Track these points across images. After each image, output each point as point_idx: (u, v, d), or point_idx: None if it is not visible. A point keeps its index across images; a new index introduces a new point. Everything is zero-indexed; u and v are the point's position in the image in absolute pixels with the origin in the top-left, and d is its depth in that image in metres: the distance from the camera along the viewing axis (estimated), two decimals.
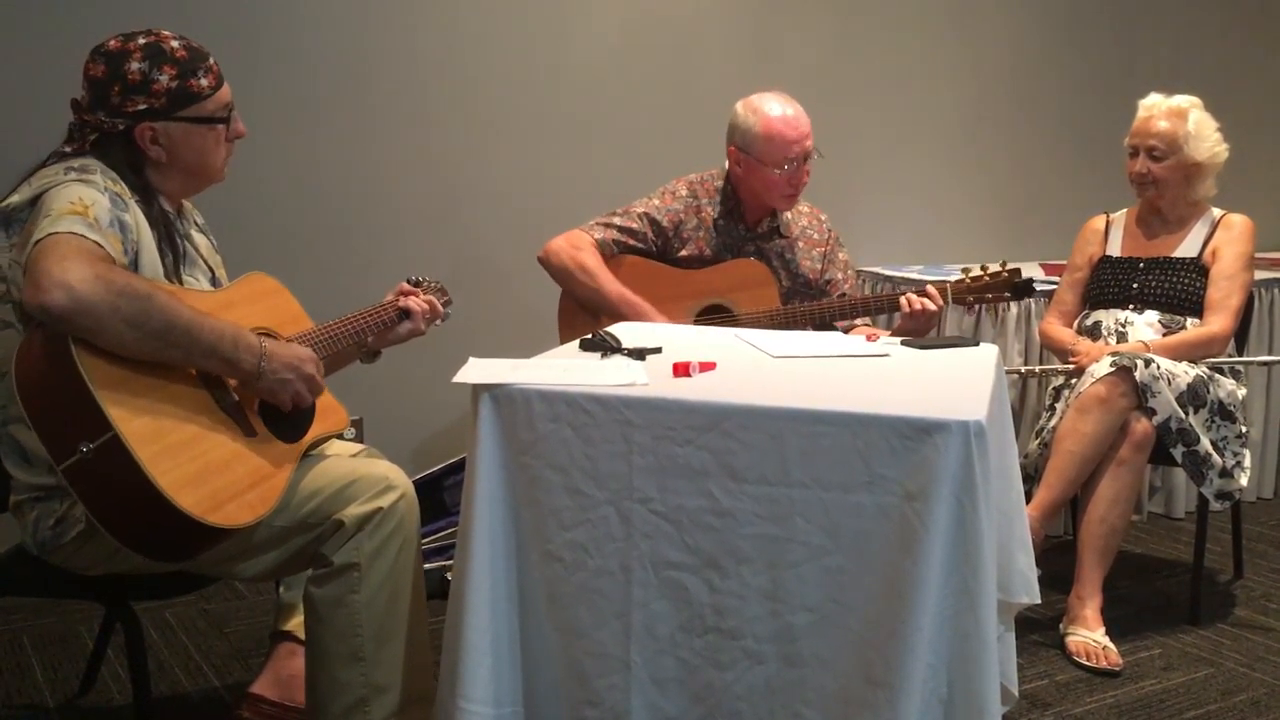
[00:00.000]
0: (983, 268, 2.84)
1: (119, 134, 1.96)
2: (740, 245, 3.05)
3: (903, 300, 2.78)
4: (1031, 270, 4.16)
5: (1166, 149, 3.10)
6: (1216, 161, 3.15)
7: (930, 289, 2.78)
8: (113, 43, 1.96)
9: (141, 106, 1.95)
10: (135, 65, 1.94)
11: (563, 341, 2.99)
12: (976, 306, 2.84)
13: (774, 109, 2.93)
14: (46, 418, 1.74)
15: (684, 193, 3.05)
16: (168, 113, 1.96)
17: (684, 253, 3.01)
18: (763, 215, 3.08)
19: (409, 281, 2.44)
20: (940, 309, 2.80)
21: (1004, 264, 2.88)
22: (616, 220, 3.00)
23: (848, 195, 3.93)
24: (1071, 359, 3.08)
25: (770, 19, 4.06)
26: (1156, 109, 3.14)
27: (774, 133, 2.90)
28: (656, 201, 3.04)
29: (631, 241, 2.99)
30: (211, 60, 2.02)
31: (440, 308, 2.45)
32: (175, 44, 1.98)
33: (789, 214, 3.10)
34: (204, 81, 1.99)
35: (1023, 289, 2.65)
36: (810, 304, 2.98)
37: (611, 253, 2.97)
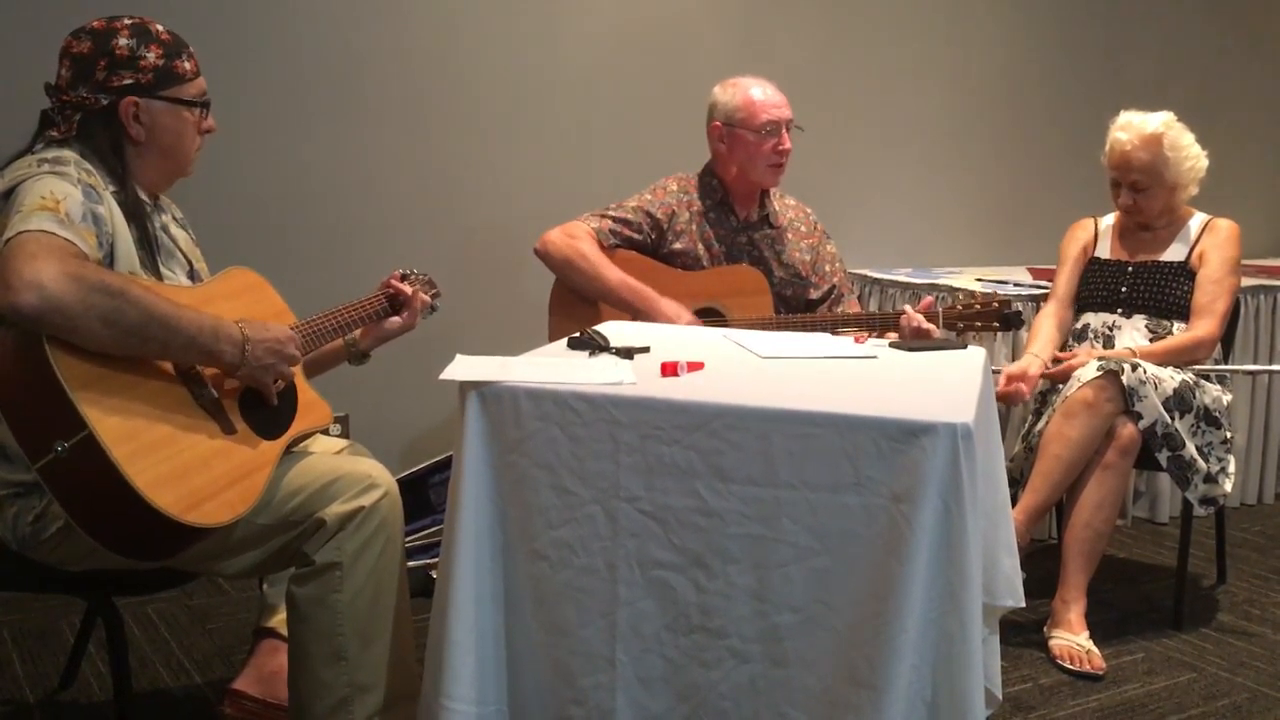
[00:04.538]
0: (974, 297, 2.91)
1: (101, 111, 1.96)
2: (732, 237, 3.06)
3: (903, 321, 2.81)
4: (1018, 274, 4.19)
5: (1149, 180, 3.10)
6: (1198, 174, 3.15)
7: (924, 312, 2.80)
8: (96, 23, 1.98)
9: (128, 81, 1.96)
10: (124, 41, 1.96)
11: (553, 334, 3.00)
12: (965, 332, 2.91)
13: (752, 82, 3.06)
14: (21, 416, 1.72)
15: (674, 188, 3.09)
16: (153, 89, 1.98)
17: (677, 246, 3.03)
18: (751, 205, 3.11)
19: (397, 276, 2.42)
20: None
21: (995, 294, 3.08)
22: (612, 212, 3.03)
23: (837, 197, 3.94)
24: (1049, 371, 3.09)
25: (761, 21, 4.06)
26: (1131, 142, 3.08)
27: (753, 99, 3.02)
28: (649, 196, 3.07)
29: (627, 232, 3.01)
30: (191, 50, 2.05)
31: (428, 299, 2.43)
32: (160, 28, 2.02)
33: (777, 205, 3.14)
34: (187, 65, 2.02)
35: (1011, 320, 2.73)
36: (804, 316, 2.99)
37: (608, 243, 2.99)
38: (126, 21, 1.98)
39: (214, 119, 2.10)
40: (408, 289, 2.36)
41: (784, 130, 3.02)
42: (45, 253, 1.69)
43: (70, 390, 1.69)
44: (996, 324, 2.74)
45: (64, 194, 1.80)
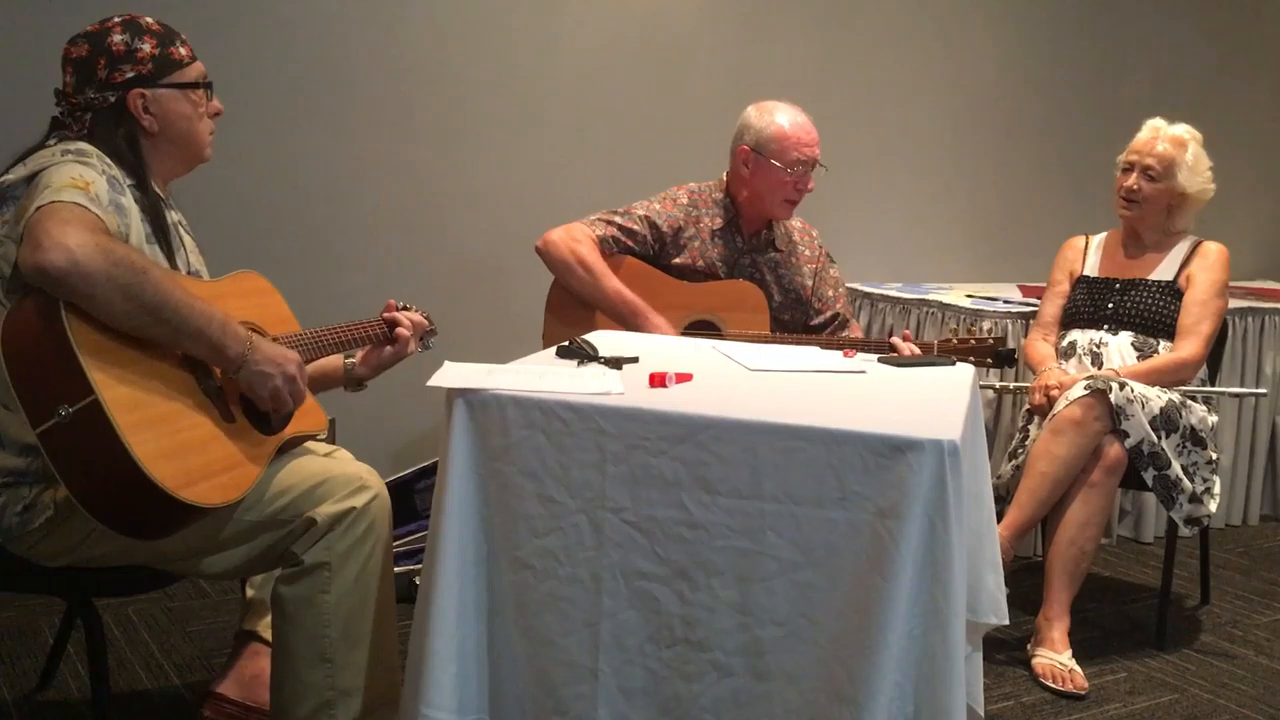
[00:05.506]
0: (969, 330, 2.92)
1: (111, 108, 1.98)
2: (736, 257, 3.06)
3: (902, 346, 2.82)
4: (1008, 291, 4.20)
5: (1162, 171, 3.15)
6: (1203, 198, 3.20)
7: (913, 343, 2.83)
8: (90, 27, 2.01)
9: (130, 75, 1.99)
10: (118, 38, 1.99)
11: (547, 333, 3.01)
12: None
13: (789, 113, 3.02)
14: (28, 378, 1.73)
15: (684, 201, 3.07)
16: (155, 79, 2.01)
17: (679, 260, 3.02)
18: (760, 227, 3.10)
19: (397, 306, 2.41)
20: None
21: (990, 331, 3.16)
22: (617, 219, 3.02)
23: (829, 211, 3.94)
24: (1033, 391, 3.10)
25: (756, 34, 4.07)
26: (1160, 132, 3.20)
27: (788, 133, 2.98)
28: (657, 206, 3.05)
29: (630, 242, 3.01)
30: (183, 37, 2.08)
31: (423, 321, 2.41)
32: (149, 20, 2.05)
33: (783, 229, 3.13)
34: (182, 51, 2.06)
35: (1004, 357, 2.77)
36: (800, 337, 2.99)
37: (610, 250, 2.98)
38: (117, 20, 2.02)
39: (221, 104, 2.13)
40: (400, 317, 2.35)
41: (811, 169, 3.00)
42: (77, 220, 1.73)
43: (81, 356, 1.71)
44: (990, 360, 2.78)
45: (92, 178, 1.84)
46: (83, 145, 1.93)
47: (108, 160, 1.93)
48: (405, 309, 2.41)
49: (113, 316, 1.76)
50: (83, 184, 1.80)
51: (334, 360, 2.32)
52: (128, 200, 1.92)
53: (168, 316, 1.80)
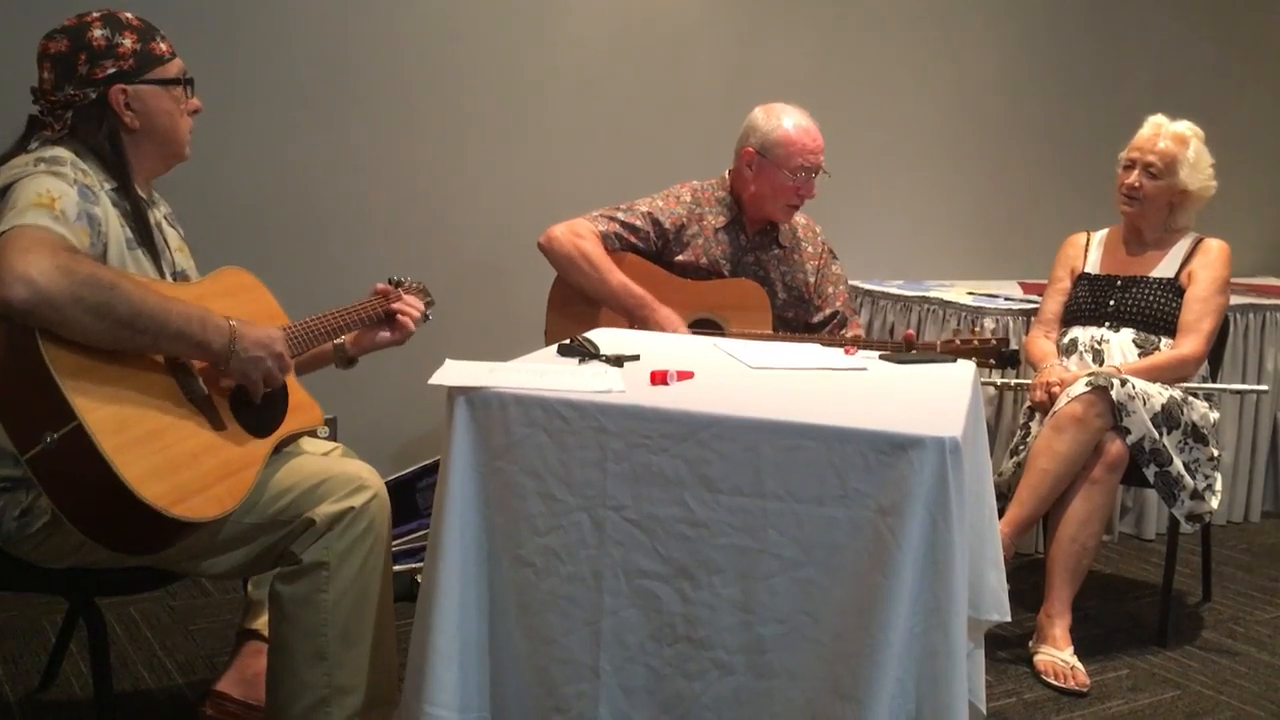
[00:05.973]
0: (972, 331, 2.93)
1: (93, 105, 1.96)
2: (740, 255, 3.06)
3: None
4: (1010, 288, 4.20)
5: (1163, 169, 3.15)
6: (1204, 195, 3.20)
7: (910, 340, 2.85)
8: (68, 21, 1.99)
9: (111, 70, 1.96)
10: (98, 33, 1.96)
11: (550, 330, 3.01)
12: None
13: (796, 118, 3.02)
14: (11, 407, 1.72)
15: (688, 199, 3.08)
16: (136, 74, 1.98)
17: (681, 257, 3.02)
18: (762, 225, 3.11)
19: (390, 282, 2.40)
20: None
21: (993, 332, 3.19)
22: (620, 215, 3.02)
23: (830, 209, 3.94)
24: (1034, 388, 3.09)
25: (756, 33, 4.07)
26: (1163, 129, 3.19)
27: (794, 139, 2.98)
28: (660, 203, 3.06)
29: (633, 239, 3.01)
30: (163, 33, 2.06)
31: (422, 307, 2.42)
32: (129, 15, 2.02)
33: (786, 224, 3.14)
34: (163, 46, 2.03)
35: (1007, 358, 2.77)
36: (801, 336, 3.00)
37: (613, 247, 2.99)
38: (95, 14, 1.99)
39: (200, 102, 2.10)
40: (402, 306, 2.34)
41: (814, 176, 3.01)
42: (38, 246, 1.69)
43: (60, 381, 1.69)
44: (993, 361, 2.78)
45: (60, 193, 1.81)
46: (58, 152, 1.90)
47: (82, 167, 1.91)
48: (400, 284, 2.39)
49: (88, 337, 1.73)
50: (48, 200, 1.77)
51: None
52: (102, 209, 1.89)
53: (145, 325, 1.77)
